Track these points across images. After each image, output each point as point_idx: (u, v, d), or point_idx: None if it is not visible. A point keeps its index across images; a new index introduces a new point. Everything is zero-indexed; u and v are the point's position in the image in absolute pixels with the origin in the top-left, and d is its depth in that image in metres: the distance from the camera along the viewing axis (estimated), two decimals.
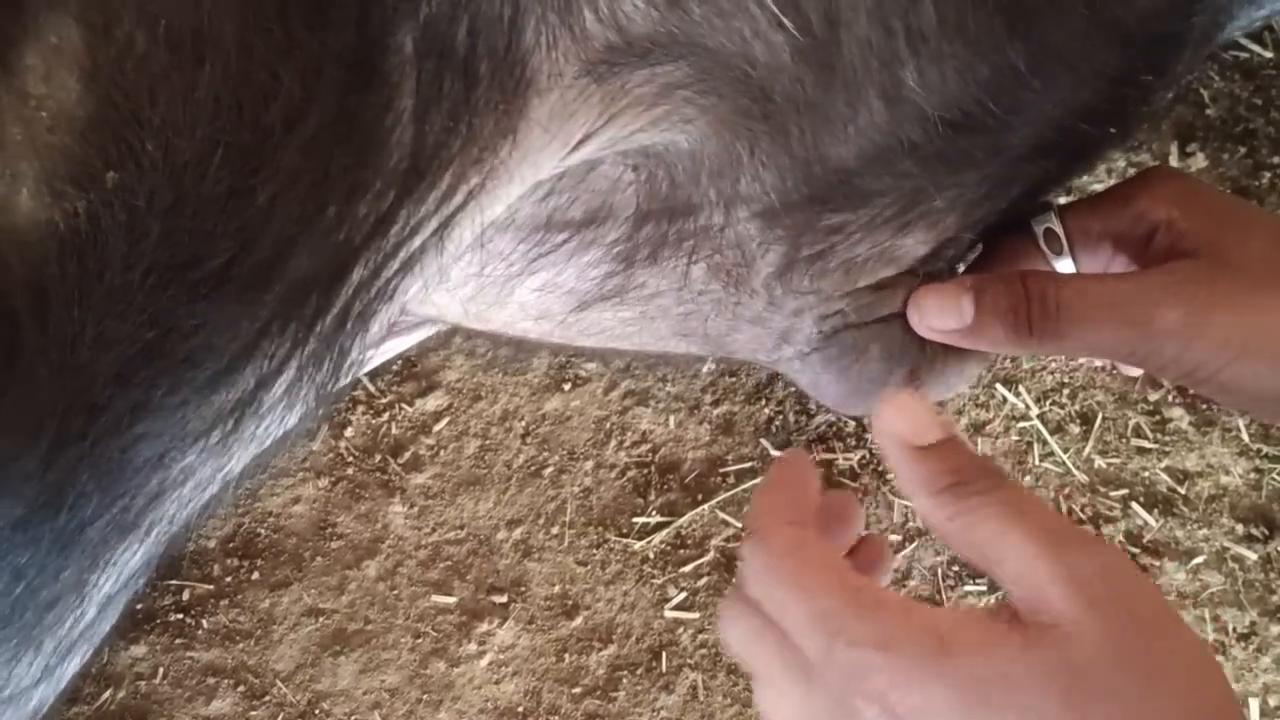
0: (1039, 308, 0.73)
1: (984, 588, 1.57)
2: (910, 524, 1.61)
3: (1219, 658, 1.51)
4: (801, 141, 0.67)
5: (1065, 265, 0.82)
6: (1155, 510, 1.59)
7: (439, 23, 0.52)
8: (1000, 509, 0.57)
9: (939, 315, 0.78)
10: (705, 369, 1.66)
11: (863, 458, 1.64)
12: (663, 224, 0.71)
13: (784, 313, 0.81)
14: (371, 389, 1.70)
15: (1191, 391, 0.86)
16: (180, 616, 1.58)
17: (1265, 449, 1.59)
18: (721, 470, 1.65)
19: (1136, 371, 0.88)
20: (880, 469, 1.63)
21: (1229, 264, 0.72)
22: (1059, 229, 0.82)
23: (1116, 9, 0.69)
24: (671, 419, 1.68)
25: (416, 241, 0.58)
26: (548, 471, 1.66)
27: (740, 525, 1.62)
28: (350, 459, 1.66)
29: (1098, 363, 1.61)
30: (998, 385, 1.63)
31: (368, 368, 1.20)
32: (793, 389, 1.63)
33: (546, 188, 0.68)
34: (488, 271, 0.73)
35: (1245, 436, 1.60)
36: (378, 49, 0.52)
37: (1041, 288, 0.74)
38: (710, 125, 0.65)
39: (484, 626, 1.58)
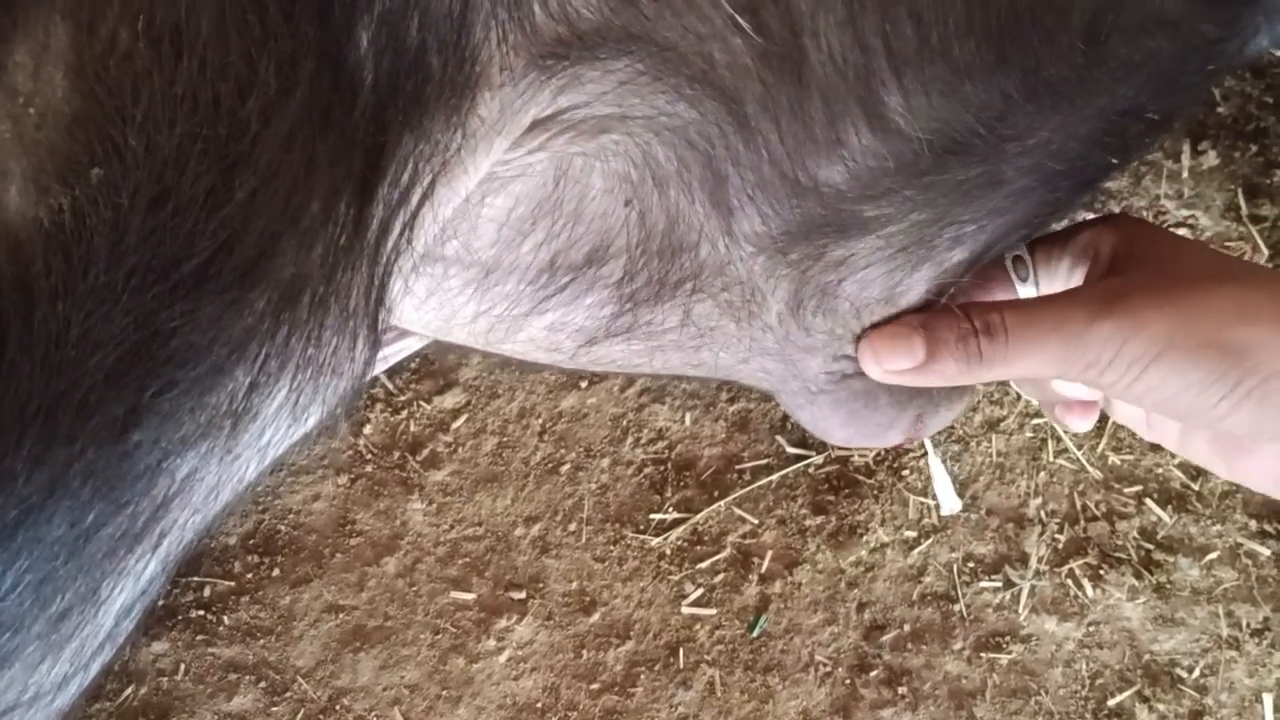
0: (986, 336, 0.75)
1: (999, 584, 1.57)
2: (925, 520, 1.61)
3: (1233, 653, 1.52)
4: (787, 158, 0.67)
5: (1028, 289, 0.84)
6: (1169, 506, 1.59)
7: (393, 16, 0.53)
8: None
9: (892, 357, 0.79)
10: None
11: (878, 454, 1.64)
12: (665, 260, 0.71)
13: (795, 348, 0.81)
14: (390, 387, 1.71)
15: (1120, 420, 0.88)
16: (201, 613, 1.59)
17: None
18: (738, 467, 1.66)
19: (1085, 424, 0.89)
20: (895, 465, 1.63)
21: (1160, 271, 0.74)
22: (1026, 256, 0.84)
23: (1120, 48, 0.69)
24: (688, 416, 1.68)
25: (389, 241, 0.59)
26: (565, 469, 1.66)
27: (756, 522, 1.62)
28: (369, 456, 1.67)
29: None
30: (1012, 382, 1.63)
31: (384, 366, 1.20)
32: None
33: (545, 230, 0.68)
34: (498, 312, 0.73)
35: None
36: (342, 42, 0.52)
37: (986, 317, 0.75)
38: (678, 129, 0.64)
39: (502, 623, 1.58)
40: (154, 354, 0.52)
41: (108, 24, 0.49)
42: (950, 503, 0.98)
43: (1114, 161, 0.79)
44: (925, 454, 1.63)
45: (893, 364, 0.79)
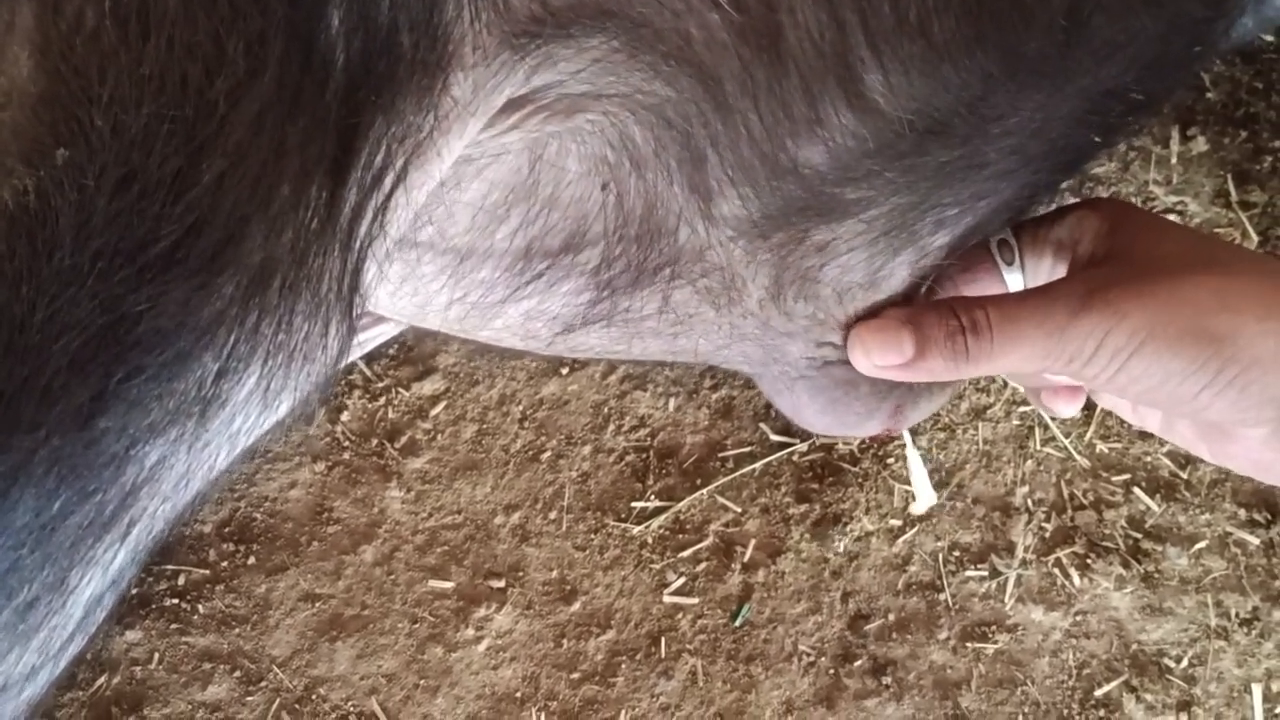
0: (973, 334, 0.76)
1: (985, 573, 1.57)
2: (910, 509, 1.60)
3: (1221, 643, 1.51)
4: (766, 137, 0.66)
5: (1014, 274, 0.85)
6: (1157, 495, 1.59)
7: None
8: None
9: (882, 352, 0.80)
10: None
11: (863, 442, 1.64)
12: (643, 245, 0.71)
13: (776, 333, 0.81)
14: (368, 373, 1.69)
15: (1106, 405, 0.90)
16: (176, 601, 1.58)
17: None
18: (720, 455, 1.65)
19: (1071, 409, 0.90)
20: (880, 453, 1.63)
21: (1142, 262, 0.75)
22: (1012, 240, 0.85)
23: (1103, 26, 0.69)
24: (670, 403, 1.67)
25: (362, 225, 0.58)
26: (545, 456, 1.65)
27: (739, 510, 1.61)
28: (347, 443, 1.66)
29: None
30: None
31: (361, 352, 1.19)
32: None
33: (521, 216, 0.68)
34: (473, 299, 0.73)
35: None
36: (312, 22, 0.52)
37: (972, 314, 0.76)
38: (655, 108, 0.64)
39: (481, 612, 1.57)
40: (120, 339, 0.51)
41: (74, 2, 0.48)
42: (925, 499, 0.99)
43: (1098, 141, 0.79)
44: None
45: (883, 359, 0.80)
